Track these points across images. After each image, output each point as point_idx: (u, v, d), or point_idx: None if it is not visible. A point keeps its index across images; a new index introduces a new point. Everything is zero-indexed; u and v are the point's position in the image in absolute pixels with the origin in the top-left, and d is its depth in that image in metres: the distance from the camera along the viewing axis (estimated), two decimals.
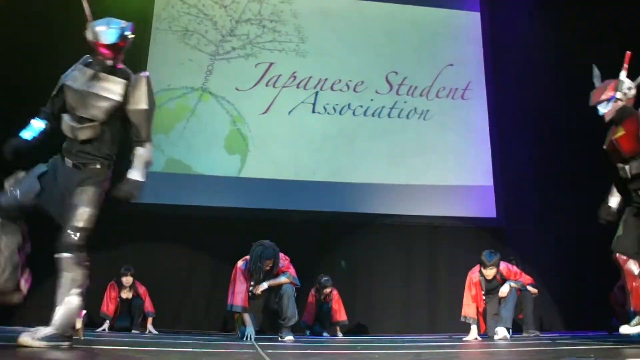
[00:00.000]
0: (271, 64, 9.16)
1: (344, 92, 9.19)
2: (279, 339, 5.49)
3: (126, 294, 7.08)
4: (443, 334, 7.38)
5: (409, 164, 8.93)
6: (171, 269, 8.10)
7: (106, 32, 3.40)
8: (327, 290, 7.36)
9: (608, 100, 4.10)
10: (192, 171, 8.56)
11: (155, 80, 8.52)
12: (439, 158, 9.03)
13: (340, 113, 9.10)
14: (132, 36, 3.51)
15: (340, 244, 8.51)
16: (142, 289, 7.14)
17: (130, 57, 8.39)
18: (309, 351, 3.81)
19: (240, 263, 5.71)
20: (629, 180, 4.16)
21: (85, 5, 3.56)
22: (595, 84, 4.29)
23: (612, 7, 9.26)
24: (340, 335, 7.34)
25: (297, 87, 9.13)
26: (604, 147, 4.30)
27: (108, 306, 6.96)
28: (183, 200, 8.37)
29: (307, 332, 7.28)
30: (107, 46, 3.40)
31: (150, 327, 7.02)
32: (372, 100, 9.20)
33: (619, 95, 4.05)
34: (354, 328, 7.95)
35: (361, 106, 9.16)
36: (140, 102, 3.44)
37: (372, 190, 8.73)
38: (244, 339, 5.37)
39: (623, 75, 4.09)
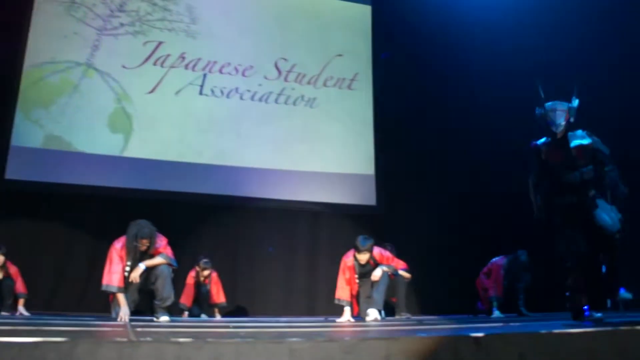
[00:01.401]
0: (160, 43, 9.05)
1: (233, 75, 9.21)
2: (155, 319, 5.47)
3: None
4: (321, 317, 7.59)
5: (294, 150, 9.09)
6: (46, 248, 7.89)
7: None
8: (206, 272, 7.38)
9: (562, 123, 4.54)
10: (73, 148, 8.33)
11: (37, 52, 8.41)
12: (323, 146, 9.23)
13: (227, 96, 9.11)
14: None
15: (222, 226, 8.58)
16: (13, 269, 6.86)
17: (11, 26, 8.18)
18: (178, 330, 3.85)
19: (116, 243, 5.63)
20: (573, 186, 4.52)
21: None
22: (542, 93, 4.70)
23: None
24: (218, 317, 7.39)
25: (186, 68, 9.07)
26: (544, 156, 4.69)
27: None
28: (62, 178, 8.14)
29: (186, 314, 7.28)
30: None
31: (21, 308, 6.78)
32: (260, 85, 9.28)
33: (572, 120, 4.57)
34: (234, 310, 8.03)
35: (249, 90, 9.21)
36: None
37: (256, 174, 8.83)
38: (118, 319, 5.33)
39: (576, 102, 4.60)
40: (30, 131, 8.25)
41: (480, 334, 2.59)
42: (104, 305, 7.16)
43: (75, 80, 8.62)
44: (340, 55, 9.75)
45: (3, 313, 6.65)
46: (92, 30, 8.87)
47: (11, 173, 8.02)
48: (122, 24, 9.01)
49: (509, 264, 7.65)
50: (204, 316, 7.33)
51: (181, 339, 2.32)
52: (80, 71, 8.67)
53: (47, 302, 7.55)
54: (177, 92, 8.94)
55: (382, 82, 9.72)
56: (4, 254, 6.77)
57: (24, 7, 8.66)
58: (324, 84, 9.55)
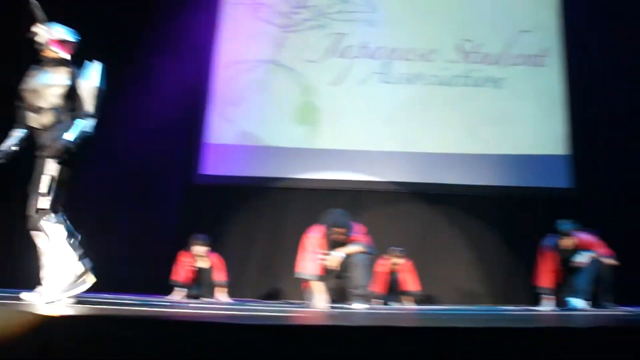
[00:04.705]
0: (342, 34, 9.11)
1: (416, 61, 9.03)
2: (349, 307, 5.46)
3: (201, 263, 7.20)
4: (521, 306, 7.24)
5: (482, 133, 8.70)
6: (239, 239, 8.37)
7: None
8: (398, 260, 7.33)
9: None
10: (263, 142, 8.71)
11: (227, 53, 8.88)
12: (513, 127, 8.74)
13: (411, 83, 8.95)
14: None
15: (411, 213, 8.48)
16: (214, 259, 7.20)
17: (203, 31, 8.67)
18: (375, 317, 3.78)
19: (311, 232, 5.69)
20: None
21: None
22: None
23: None
24: (408, 304, 7.27)
25: (369, 57, 9.05)
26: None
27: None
28: (254, 171, 8.60)
29: (377, 302, 7.21)
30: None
31: (219, 295, 7.03)
32: (444, 69, 8.98)
33: None
34: (423, 299, 7.82)
35: (433, 75, 8.97)
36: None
37: (444, 160, 8.60)
38: (314, 306, 5.37)
39: None
40: (223, 128, 8.71)
41: None
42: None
43: (263, 77, 8.94)
44: (526, 31, 9.19)
45: (204, 299, 6.99)
46: (276, 28, 9.16)
47: (206, 168, 8.54)
48: (304, 20, 9.20)
49: None
50: (394, 304, 7.25)
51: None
52: (267, 68, 8.98)
53: (241, 290, 7.83)
54: (362, 82, 8.94)
55: (576, 56, 9.01)
56: (208, 245, 7.15)
57: (214, 12, 9.15)
58: (511, 63, 9.06)
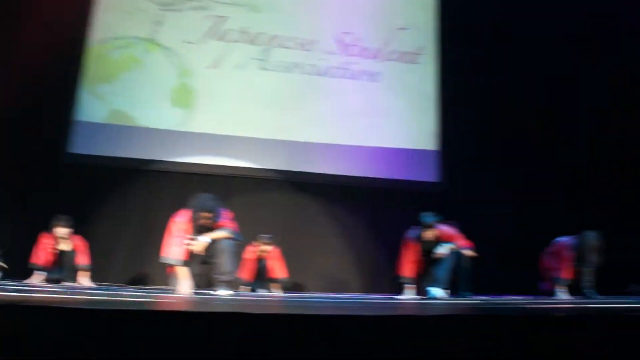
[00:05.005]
0: (223, 17, 9.03)
1: (295, 50, 9.12)
2: (212, 293, 5.42)
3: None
4: (385, 294, 7.46)
5: (355, 125, 8.93)
6: (108, 221, 8.06)
7: None
8: (266, 247, 7.35)
9: None
10: (136, 123, 8.43)
11: (102, 28, 8.64)
12: (385, 121, 9.04)
13: (289, 71, 9.01)
14: None
15: (282, 202, 8.59)
16: (77, 242, 6.93)
17: (77, 3, 8.22)
18: (240, 303, 3.78)
19: (177, 216, 5.59)
20: None
21: None
22: None
23: None
24: (278, 292, 7.33)
25: (248, 42, 9.02)
26: None
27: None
28: (125, 152, 8.31)
29: (247, 289, 7.23)
30: None
31: (82, 279, 6.77)
32: (321, 59, 9.15)
33: None
34: (292, 286, 7.90)
35: (310, 65, 9.09)
36: None
37: (317, 149, 8.76)
38: (177, 292, 5.31)
39: None
40: (94, 106, 8.36)
41: None
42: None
43: (139, 55, 8.68)
44: (403, 28, 9.49)
45: (66, 283, 6.72)
46: (155, 6, 8.90)
47: (75, 147, 8.16)
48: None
49: (578, 245, 7.27)
50: (262, 291, 7.28)
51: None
52: (143, 47, 8.72)
53: (107, 275, 7.61)
54: (239, 67, 8.88)
55: (448, 56, 9.39)
56: (70, 226, 6.86)
57: None
58: (387, 58, 9.31)
